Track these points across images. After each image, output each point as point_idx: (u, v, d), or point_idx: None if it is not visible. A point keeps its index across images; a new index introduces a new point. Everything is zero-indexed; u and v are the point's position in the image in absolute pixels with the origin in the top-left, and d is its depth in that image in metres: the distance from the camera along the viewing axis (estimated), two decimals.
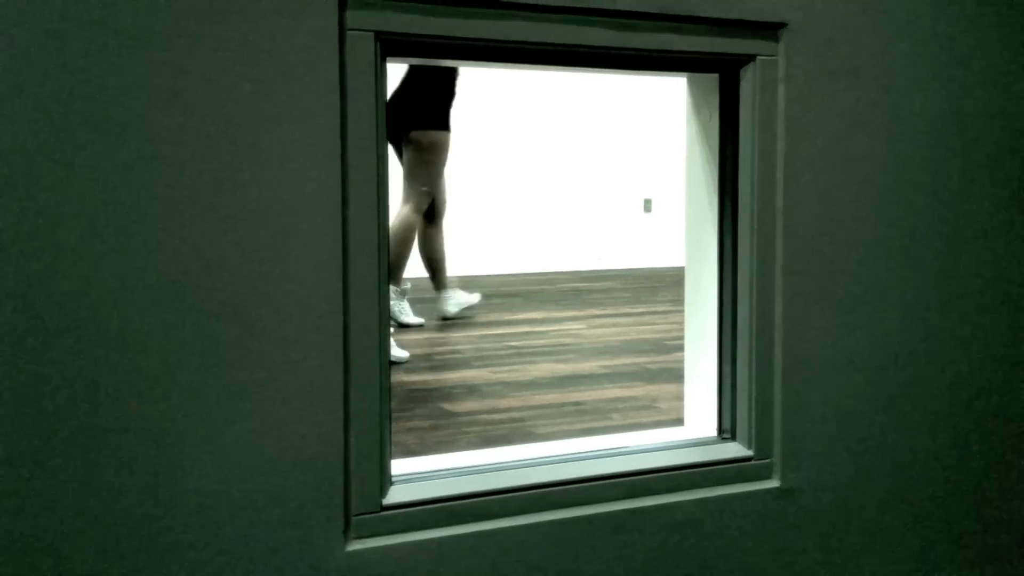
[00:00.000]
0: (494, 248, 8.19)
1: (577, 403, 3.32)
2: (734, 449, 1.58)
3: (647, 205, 8.96)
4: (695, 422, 1.69)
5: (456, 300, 5.27)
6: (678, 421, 3.05)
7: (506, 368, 3.93)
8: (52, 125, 1.12)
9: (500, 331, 4.76)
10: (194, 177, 1.19)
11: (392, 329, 4.47)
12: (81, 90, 1.13)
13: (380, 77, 1.31)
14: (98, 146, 1.14)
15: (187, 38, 1.17)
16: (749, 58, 1.53)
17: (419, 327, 4.88)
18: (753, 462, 1.57)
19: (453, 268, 8.00)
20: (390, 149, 5.34)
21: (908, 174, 1.64)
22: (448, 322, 5.16)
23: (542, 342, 4.56)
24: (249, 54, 1.20)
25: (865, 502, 1.65)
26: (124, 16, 1.14)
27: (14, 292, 1.11)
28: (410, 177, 4.78)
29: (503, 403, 3.32)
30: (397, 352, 4.13)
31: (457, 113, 7.98)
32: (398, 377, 3.73)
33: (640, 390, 3.52)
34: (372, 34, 1.28)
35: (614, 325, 5.09)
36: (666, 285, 7.05)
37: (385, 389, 1.34)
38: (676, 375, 3.76)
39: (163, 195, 1.17)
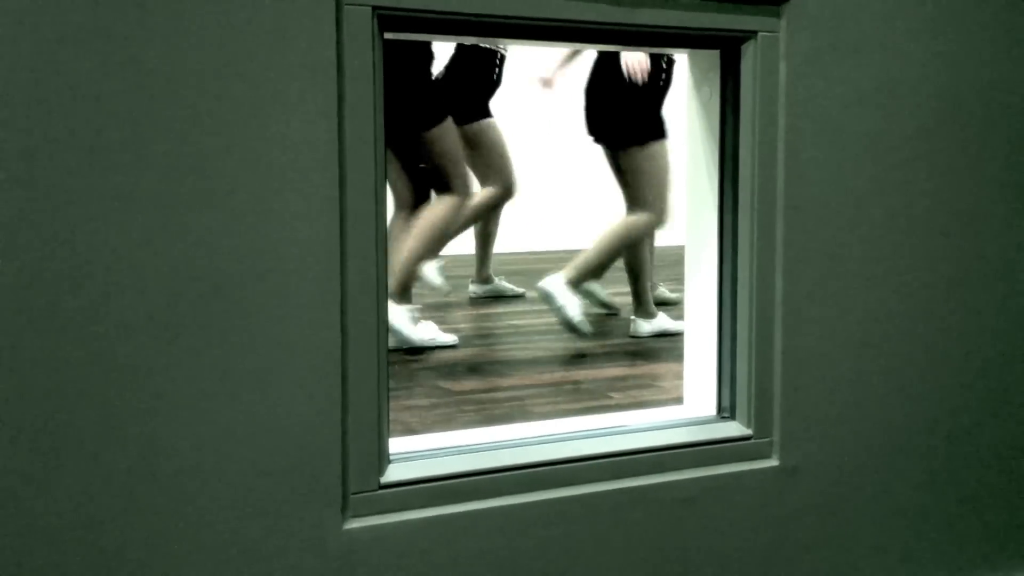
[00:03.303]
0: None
1: (577, 382, 3.32)
2: (734, 428, 1.58)
3: None
4: (695, 401, 1.69)
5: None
6: (678, 400, 3.05)
7: (506, 346, 3.93)
8: (48, 115, 1.11)
9: (500, 309, 4.76)
10: (188, 157, 1.17)
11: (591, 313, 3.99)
12: (75, 73, 1.12)
13: (378, 53, 1.30)
14: (92, 131, 1.13)
15: (179, 13, 1.16)
16: (751, 34, 1.52)
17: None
18: (753, 441, 1.57)
19: (459, 247, 7.97)
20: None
21: (910, 151, 1.63)
22: (445, 299, 5.16)
23: (542, 320, 4.56)
24: (243, 29, 1.19)
25: (865, 481, 1.65)
26: None
27: (15, 281, 1.10)
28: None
29: (503, 382, 3.32)
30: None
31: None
32: (397, 355, 3.73)
33: (640, 369, 3.52)
34: (370, 8, 1.27)
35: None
36: (667, 264, 7.04)
37: (383, 367, 1.33)
38: (676, 354, 3.76)
39: (158, 175, 1.16)
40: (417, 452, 1.42)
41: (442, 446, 1.45)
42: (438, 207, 3.90)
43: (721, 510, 1.52)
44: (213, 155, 1.19)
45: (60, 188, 1.12)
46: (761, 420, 1.57)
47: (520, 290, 5.38)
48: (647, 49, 1.54)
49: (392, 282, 3.79)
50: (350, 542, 1.29)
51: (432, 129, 3.85)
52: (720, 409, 1.63)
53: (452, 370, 3.50)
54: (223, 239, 1.20)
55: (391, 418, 1.40)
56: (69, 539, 1.15)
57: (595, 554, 1.43)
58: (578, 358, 3.70)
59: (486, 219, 5.11)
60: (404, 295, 3.83)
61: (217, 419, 1.21)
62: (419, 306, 3.96)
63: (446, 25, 1.35)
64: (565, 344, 3.99)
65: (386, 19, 1.31)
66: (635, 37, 1.48)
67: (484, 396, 3.12)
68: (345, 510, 1.30)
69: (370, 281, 1.30)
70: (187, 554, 1.21)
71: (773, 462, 1.57)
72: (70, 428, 1.14)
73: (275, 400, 1.24)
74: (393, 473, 1.35)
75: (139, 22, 1.14)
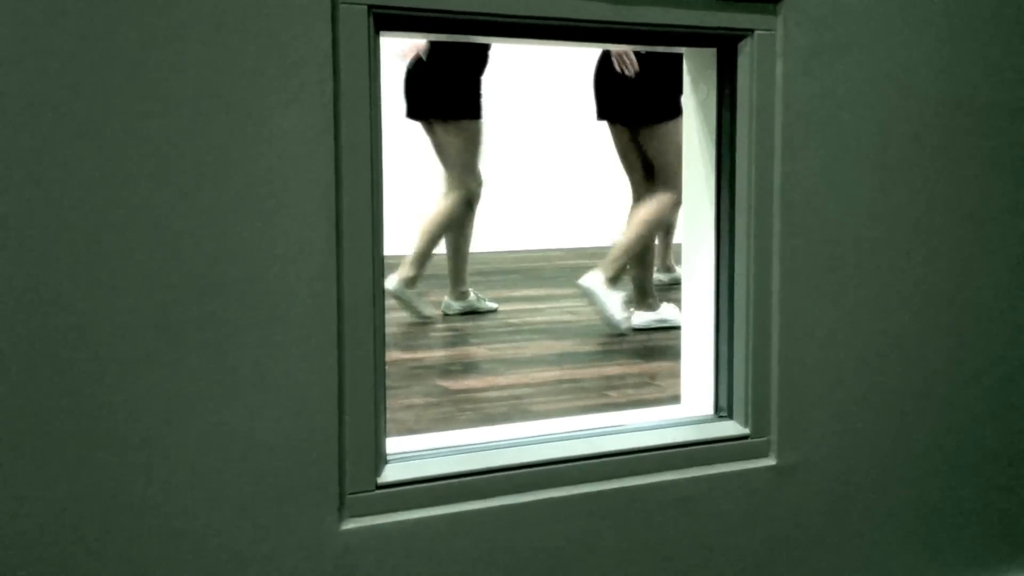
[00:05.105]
0: (493, 225, 8.17)
1: (575, 380, 3.32)
2: (731, 427, 1.58)
3: None
4: (692, 400, 1.69)
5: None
6: (675, 399, 3.05)
7: (504, 345, 3.93)
8: (45, 115, 1.10)
9: (498, 308, 4.75)
10: (184, 157, 1.17)
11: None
12: (71, 72, 1.11)
13: (373, 52, 1.29)
14: (88, 129, 1.12)
15: (175, 13, 1.16)
16: (747, 32, 1.52)
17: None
18: (750, 440, 1.56)
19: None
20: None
21: (907, 149, 1.63)
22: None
23: (540, 319, 4.56)
24: (239, 28, 1.19)
25: (863, 480, 1.65)
26: None
27: (9, 280, 1.10)
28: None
29: (501, 380, 3.32)
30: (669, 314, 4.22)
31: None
32: (395, 354, 3.73)
33: (638, 367, 3.52)
34: (365, 8, 1.27)
35: None
36: None
37: (380, 366, 1.33)
38: (674, 352, 3.76)
39: (154, 175, 1.16)
40: (415, 452, 1.42)
41: (440, 446, 1.45)
42: (656, 202, 4.05)
43: (718, 509, 1.52)
44: (208, 155, 1.18)
45: (55, 187, 1.12)
46: (758, 419, 1.57)
47: None
48: (644, 47, 1.54)
49: (609, 269, 3.99)
50: (347, 543, 1.28)
51: (667, 123, 4.00)
52: (717, 408, 1.63)
53: (450, 369, 3.50)
54: (218, 239, 1.20)
55: (388, 417, 1.40)
56: (62, 539, 1.15)
57: (593, 554, 1.43)
58: (576, 356, 3.70)
59: None
60: (616, 282, 4.04)
61: (213, 419, 1.21)
62: (626, 292, 4.17)
63: (442, 24, 1.35)
64: (563, 342, 3.99)
65: (382, 18, 1.30)
66: (632, 35, 1.47)
67: (482, 395, 3.12)
68: (342, 510, 1.30)
69: (366, 280, 1.29)
70: (183, 555, 1.20)
71: (770, 461, 1.57)
72: (63, 428, 1.14)
73: (271, 400, 1.24)
74: (390, 473, 1.34)
75: (135, 22, 1.14)
